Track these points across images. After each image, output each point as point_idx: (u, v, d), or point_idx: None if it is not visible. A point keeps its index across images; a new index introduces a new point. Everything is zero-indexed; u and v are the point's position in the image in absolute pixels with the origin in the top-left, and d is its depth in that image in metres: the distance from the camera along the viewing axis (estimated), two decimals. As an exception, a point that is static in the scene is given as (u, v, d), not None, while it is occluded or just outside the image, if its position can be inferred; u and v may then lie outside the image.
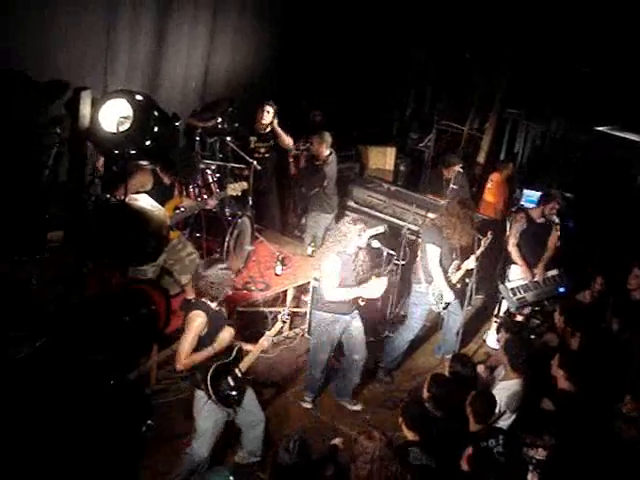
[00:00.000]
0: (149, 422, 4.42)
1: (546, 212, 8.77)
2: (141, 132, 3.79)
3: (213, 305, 6.04)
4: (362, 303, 7.36)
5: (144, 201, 3.94)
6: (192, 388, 6.24)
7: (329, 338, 7.38)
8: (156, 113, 3.90)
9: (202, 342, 5.97)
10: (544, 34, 11.79)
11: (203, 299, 6.04)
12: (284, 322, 6.48)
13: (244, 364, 6.22)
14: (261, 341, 6.30)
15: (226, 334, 6.06)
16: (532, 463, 5.75)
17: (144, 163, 6.94)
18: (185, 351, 5.91)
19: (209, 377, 5.97)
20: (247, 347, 6.35)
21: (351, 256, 7.15)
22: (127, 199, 4.41)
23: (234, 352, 6.16)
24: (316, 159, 9.89)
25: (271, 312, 8.57)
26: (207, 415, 6.09)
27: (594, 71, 11.69)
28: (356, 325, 7.44)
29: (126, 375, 5.13)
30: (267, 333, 6.35)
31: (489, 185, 11.01)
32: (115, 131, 3.92)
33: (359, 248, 7.18)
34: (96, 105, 3.82)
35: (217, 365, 6.01)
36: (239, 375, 6.17)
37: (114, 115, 3.95)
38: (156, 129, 3.87)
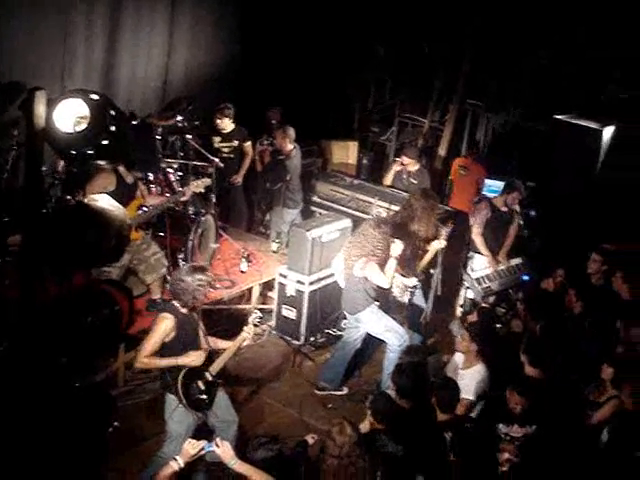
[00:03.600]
0: (115, 424, 4.39)
1: (509, 201, 8.85)
2: (98, 132, 3.75)
3: (183, 310, 5.98)
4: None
5: (104, 201, 3.90)
6: (163, 392, 6.20)
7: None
8: (113, 112, 3.86)
9: (171, 345, 5.92)
10: (501, 25, 11.88)
11: (174, 302, 5.98)
12: (256, 325, 6.41)
13: (215, 366, 6.16)
14: (237, 340, 6.25)
15: (196, 355, 6.00)
16: (507, 440, 5.84)
17: (104, 164, 6.88)
18: (146, 350, 5.87)
19: (179, 382, 5.93)
20: (223, 344, 6.33)
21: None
22: (86, 200, 4.36)
23: (205, 354, 6.13)
24: (279, 153, 9.90)
25: (237, 310, 8.57)
26: (179, 419, 6.04)
27: (552, 61, 11.80)
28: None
29: (91, 377, 5.10)
30: (244, 331, 6.24)
31: (462, 172, 11.04)
32: (71, 131, 3.88)
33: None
34: (51, 105, 3.76)
35: (187, 369, 5.96)
36: (210, 378, 6.13)
37: (70, 115, 3.90)
38: (113, 128, 3.83)
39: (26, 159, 3.57)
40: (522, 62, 12.19)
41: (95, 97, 3.96)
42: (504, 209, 8.86)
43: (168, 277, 8.07)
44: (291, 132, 9.76)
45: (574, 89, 11.56)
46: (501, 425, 6.10)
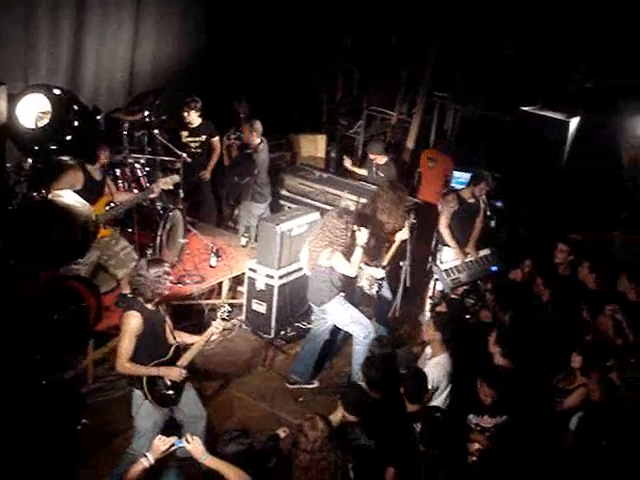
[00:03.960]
0: (84, 421, 4.37)
1: (476, 193, 8.89)
2: (61, 127, 3.73)
3: (149, 306, 5.94)
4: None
5: (69, 197, 3.87)
6: (129, 388, 6.16)
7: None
8: (76, 107, 3.83)
9: (142, 341, 5.87)
10: (467, 15, 11.93)
11: (139, 299, 5.94)
12: (224, 320, 6.34)
13: (182, 361, 6.13)
14: (207, 333, 6.20)
15: (175, 372, 6.00)
16: (477, 430, 5.88)
17: (71, 160, 6.83)
18: (124, 354, 5.82)
19: (144, 378, 5.91)
20: (191, 339, 6.30)
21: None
22: (51, 195, 4.31)
23: (171, 351, 6.09)
24: (247, 147, 9.89)
25: (207, 305, 8.55)
26: (145, 415, 6.02)
27: (518, 51, 11.86)
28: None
29: (59, 374, 5.06)
30: (212, 325, 6.20)
31: (429, 164, 11.07)
32: (34, 127, 3.84)
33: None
34: (13, 101, 3.73)
35: (154, 365, 5.93)
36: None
37: (32, 110, 3.87)
38: (76, 123, 3.80)
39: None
40: (488, 52, 12.25)
41: (58, 92, 3.95)
42: (471, 200, 8.90)
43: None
44: (258, 126, 9.74)
45: (540, 79, 11.63)
46: (471, 416, 6.15)
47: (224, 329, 8.50)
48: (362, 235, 7.37)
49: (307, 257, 7.69)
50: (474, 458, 5.85)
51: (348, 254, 7.41)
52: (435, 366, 6.70)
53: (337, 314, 7.62)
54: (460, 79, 12.83)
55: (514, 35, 11.91)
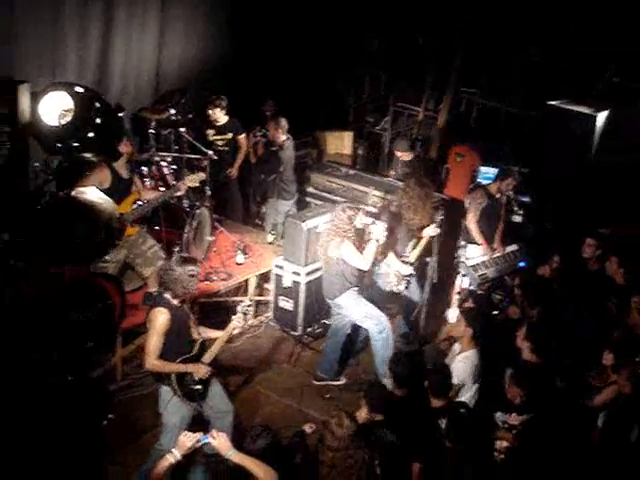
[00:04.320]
0: (110, 416, 4.40)
1: (503, 188, 8.83)
2: (83, 124, 3.75)
3: (175, 302, 5.96)
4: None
5: (92, 194, 3.90)
6: (157, 384, 6.19)
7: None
8: (98, 105, 3.86)
9: (169, 338, 5.90)
10: (492, 21, 11.87)
11: (165, 294, 5.97)
12: (244, 314, 6.38)
13: (208, 356, 6.16)
14: (227, 329, 6.24)
15: (202, 369, 6.04)
16: (504, 427, 5.85)
17: (98, 158, 6.87)
18: (152, 350, 5.86)
19: (173, 374, 5.95)
20: (214, 334, 6.32)
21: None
22: (75, 193, 4.32)
23: (197, 346, 6.12)
24: (272, 145, 9.90)
25: (234, 302, 8.57)
26: (173, 410, 6.06)
27: (543, 57, 11.79)
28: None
29: (85, 371, 5.11)
30: (233, 320, 6.23)
31: (458, 159, 11.00)
32: (57, 124, 3.88)
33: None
34: (36, 99, 3.76)
35: (180, 361, 5.97)
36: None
37: (55, 108, 3.90)
38: (98, 121, 3.83)
39: (13, 153, 3.57)
40: (513, 58, 12.17)
41: (80, 90, 3.97)
42: (498, 196, 8.85)
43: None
44: (284, 123, 9.75)
45: (565, 85, 11.53)
46: (499, 413, 6.11)
47: (250, 326, 8.67)
48: (377, 230, 7.34)
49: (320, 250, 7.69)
50: (501, 456, 5.80)
51: (362, 248, 7.40)
52: (463, 361, 6.68)
53: (350, 309, 7.62)
54: (485, 82, 12.75)
55: (539, 41, 11.82)
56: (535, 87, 11.96)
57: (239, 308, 6.31)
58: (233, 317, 6.26)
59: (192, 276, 5.94)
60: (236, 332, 6.37)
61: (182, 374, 5.99)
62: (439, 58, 12.78)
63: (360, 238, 7.49)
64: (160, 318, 5.84)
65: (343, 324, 7.83)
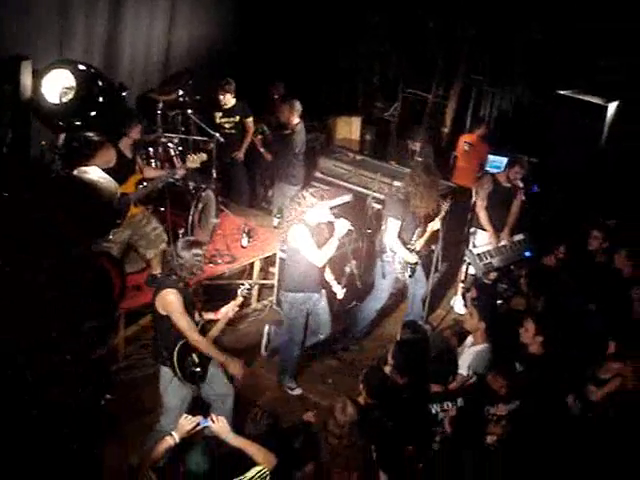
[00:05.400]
0: (108, 396, 4.39)
1: (511, 176, 8.78)
2: (85, 102, 3.72)
3: (181, 284, 5.96)
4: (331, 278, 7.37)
5: (94, 173, 3.88)
6: (157, 365, 6.20)
7: (303, 317, 7.32)
8: (101, 83, 3.82)
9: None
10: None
11: (172, 277, 5.97)
12: (244, 297, 6.41)
13: (209, 338, 6.16)
14: (224, 310, 6.30)
15: (237, 365, 6.11)
16: (493, 420, 5.82)
17: (102, 137, 6.83)
18: (188, 328, 5.87)
19: (174, 355, 5.94)
20: (209, 315, 6.33)
21: (313, 228, 7.06)
22: (76, 172, 4.31)
23: (198, 329, 6.11)
24: (285, 128, 9.83)
25: (238, 285, 8.55)
26: (174, 392, 6.08)
27: (553, 36, 11.68)
28: (323, 304, 7.41)
29: (84, 351, 5.08)
30: (231, 303, 6.32)
31: (466, 148, 10.94)
32: (58, 102, 3.84)
33: (320, 222, 7.08)
34: (38, 76, 3.73)
35: (182, 342, 5.96)
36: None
37: (57, 86, 3.86)
38: (101, 99, 3.79)
39: (14, 131, 3.53)
40: (515, 37, 12.07)
41: (82, 68, 3.93)
42: (506, 184, 8.80)
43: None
44: (298, 106, 9.68)
45: (567, 63, 11.42)
46: (487, 406, 6.07)
47: (254, 310, 8.67)
48: (341, 226, 6.95)
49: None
50: (493, 448, 5.79)
51: (323, 243, 7.05)
52: (474, 354, 6.66)
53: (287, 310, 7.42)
54: (498, 63, 12.66)
55: (540, 18, 11.70)
56: (540, 71, 11.83)
57: (239, 292, 6.34)
58: (232, 301, 6.31)
59: (198, 260, 5.96)
60: (231, 315, 6.36)
61: (183, 356, 5.99)
62: (449, 40, 12.66)
63: (325, 234, 7.13)
64: (174, 298, 5.84)
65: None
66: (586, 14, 10.95)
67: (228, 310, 6.29)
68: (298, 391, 7.56)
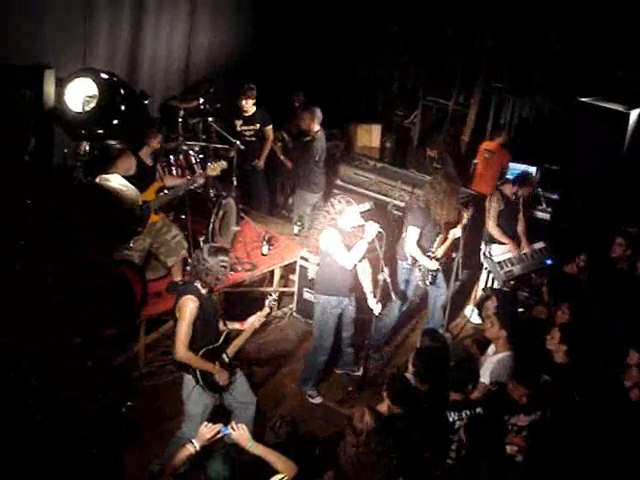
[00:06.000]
0: (129, 403, 4.40)
1: (519, 194, 8.75)
2: (107, 111, 3.74)
3: (204, 291, 5.97)
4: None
5: (116, 181, 3.89)
6: (180, 372, 6.20)
7: (334, 322, 7.32)
8: (123, 91, 3.84)
9: (196, 326, 5.90)
10: (523, 6, 11.76)
11: (195, 284, 5.97)
12: (271, 308, 6.42)
13: (233, 348, 6.19)
14: (251, 320, 6.28)
15: (225, 375, 6.07)
16: (514, 430, 5.79)
17: (122, 145, 6.87)
18: (182, 339, 5.86)
19: None
20: (234, 325, 6.33)
21: (345, 234, 7.07)
22: (99, 179, 4.32)
23: (222, 337, 6.14)
24: (305, 135, 9.84)
25: (260, 293, 8.56)
26: (196, 400, 6.08)
27: (572, 44, 11.63)
28: (351, 308, 7.44)
29: (106, 357, 5.12)
30: (258, 314, 6.30)
31: (486, 155, 10.91)
32: (81, 110, 3.87)
33: (351, 227, 7.08)
34: (61, 84, 3.75)
35: (205, 351, 5.98)
36: (227, 360, 6.15)
37: (80, 94, 3.89)
38: (123, 107, 3.81)
39: (37, 138, 3.56)
40: (533, 48, 12.03)
41: (105, 76, 3.95)
42: (513, 198, 8.77)
43: (189, 259, 8.12)
44: (319, 113, 9.65)
45: (587, 72, 11.37)
46: (507, 416, 6.03)
47: (275, 317, 8.67)
48: (370, 229, 6.95)
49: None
50: (518, 458, 5.75)
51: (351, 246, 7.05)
52: (495, 363, 6.63)
53: (318, 312, 7.36)
54: (518, 70, 12.61)
55: (559, 28, 11.66)
56: (559, 79, 11.78)
57: (267, 302, 6.34)
58: (259, 312, 6.30)
59: (224, 266, 5.97)
60: (257, 325, 6.35)
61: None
62: (468, 47, 12.64)
63: (354, 238, 7.10)
64: (190, 306, 5.84)
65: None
66: (604, 24, 10.92)
67: (254, 320, 6.28)
68: (318, 399, 7.53)
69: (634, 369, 6.33)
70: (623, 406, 6.12)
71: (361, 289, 7.41)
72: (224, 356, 6.13)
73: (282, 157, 10.44)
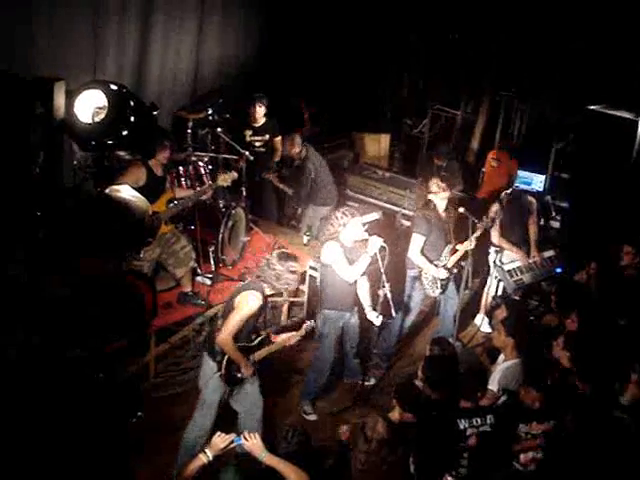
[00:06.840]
0: (139, 414, 4.41)
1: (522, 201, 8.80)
2: (117, 122, 3.76)
3: (268, 293, 6.09)
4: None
5: (126, 192, 3.92)
6: (204, 356, 6.24)
7: (336, 335, 7.33)
8: (132, 103, 3.87)
9: (248, 322, 6.00)
10: (531, 14, 11.76)
11: (263, 284, 6.04)
12: (307, 332, 6.47)
13: (261, 354, 6.25)
14: (284, 337, 6.38)
15: (250, 370, 6.16)
16: (527, 439, 5.76)
17: (132, 156, 6.90)
18: (231, 329, 5.92)
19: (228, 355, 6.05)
20: (274, 338, 6.43)
21: (348, 247, 7.08)
22: (108, 190, 4.35)
23: (258, 339, 6.21)
24: (293, 160, 9.90)
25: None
26: (215, 387, 6.15)
27: (583, 50, 11.63)
28: (354, 321, 7.44)
29: (117, 369, 5.14)
30: (293, 333, 6.40)
31: (494, 164, 10.91)
32: (90, 122, 3.89)
33: (355, 241, 7.08)
34: (71, 96, 3.78)
35: (240, 346, 6.04)
36: (252, 361, 6.22)
37: (89, 106, 3.92)
38: (132, 119, 3.84)
39: (47, 151, 3.58)
40: (553, 50, 12.03)
41: (114, 87, 3.97)
42: (509, 205, 8.77)
43: (198, 270, 8.16)
44: (298, 139, 9.66)
45: (606, 78, 11.36)
46: (520, 425, 6.01)
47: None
48: (373, 244, 6.92)
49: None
50: (531, 467, 5.72)
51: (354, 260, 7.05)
52: (504, 370, 6.61)
53: (324, 327, 7.31)
54: (527, 78, 12.61)
55: (580, 34, 11.65)
56: (575, 83, 11.77)
57: (304, 326, 6.43)
58: (293, 333, 6.40)
59: (293, 272, 6.05)
60: (290, 343, 6.44)
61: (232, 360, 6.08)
62: (476, 54, 12.65)
63: (357, 251, 7.11)
64: (254, 302, 5.92)
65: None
66: (617, 33, 10.94)
67: (289, 338, 6.37)
68: (313, 417, 7.44)
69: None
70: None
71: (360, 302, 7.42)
72: (252, 357, 6.21)
73: (280, 186, 10.38)
